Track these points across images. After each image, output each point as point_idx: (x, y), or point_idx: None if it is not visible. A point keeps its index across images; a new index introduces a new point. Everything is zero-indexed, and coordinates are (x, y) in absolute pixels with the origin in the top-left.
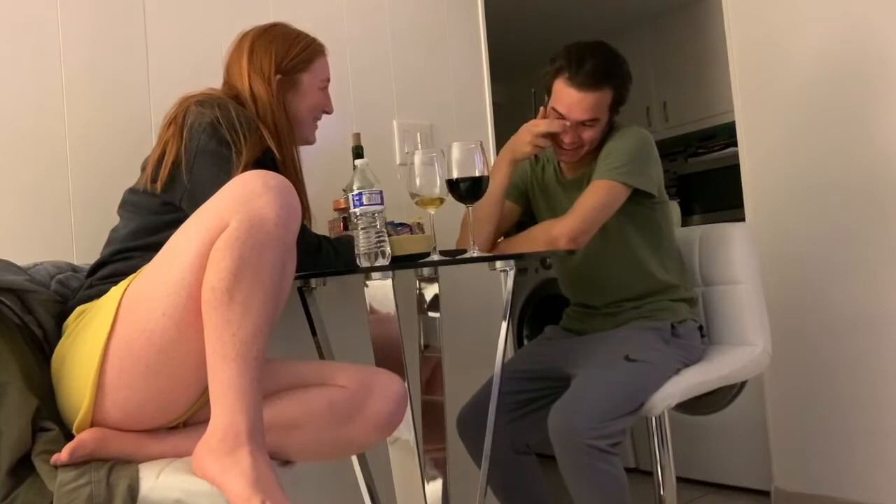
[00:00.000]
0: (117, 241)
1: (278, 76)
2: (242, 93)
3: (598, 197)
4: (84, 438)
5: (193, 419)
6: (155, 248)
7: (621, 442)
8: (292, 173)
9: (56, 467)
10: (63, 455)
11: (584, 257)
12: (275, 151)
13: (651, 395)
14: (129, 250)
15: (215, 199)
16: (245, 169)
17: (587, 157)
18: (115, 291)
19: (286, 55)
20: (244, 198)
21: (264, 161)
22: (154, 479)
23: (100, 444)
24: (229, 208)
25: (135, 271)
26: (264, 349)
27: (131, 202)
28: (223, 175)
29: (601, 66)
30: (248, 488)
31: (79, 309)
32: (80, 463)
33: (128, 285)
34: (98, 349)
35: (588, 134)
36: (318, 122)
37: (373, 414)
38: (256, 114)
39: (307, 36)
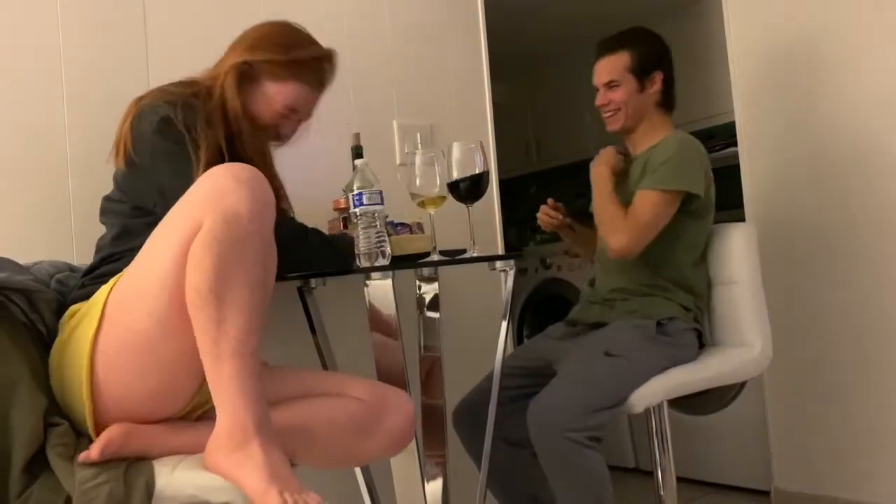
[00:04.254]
0: (105, 248)
1: (247, 64)
2: (203, 82)
3: (650, 209)
4: (111, 436)
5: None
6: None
7: (601, 437)
8: (259, 163)
9: (73, 464)
10: (93, 453)
11: (601, 267)
12: (223, 143)
13: (632, 392)
14: (116, 254)
15: (187, 199)
16: (207, 159)
17: (643, 137)
18: (101, 292)
19: (275, 52)
20: (216, 195)
21: (230, 150)
22: (169, 475)
23: (126, 440)
24: (202, 207)
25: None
26: (259, 344)
27: (110, 210)
28: (184, 174)
29: (619, 35)
30: (264, 481)
31: (71, 309)
32: (98, 461)
33: (112, 286)
34: (86, 349)
35: (613, 95)
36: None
37: (388, 430)
38: (212, 100)
39: (318, 57)
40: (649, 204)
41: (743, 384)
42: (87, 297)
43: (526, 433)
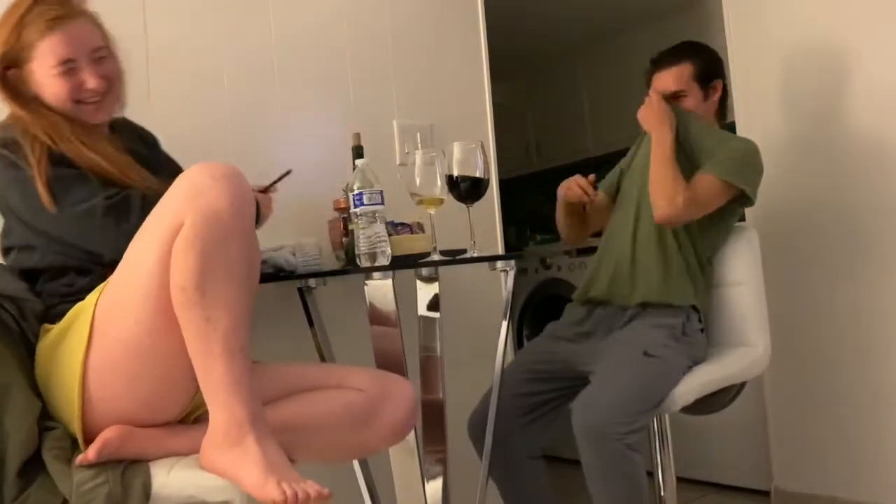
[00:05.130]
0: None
1: (8, 71)
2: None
3: (708, 192)
4: (108, 437)
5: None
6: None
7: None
8: (92, 159)
9: (70, 466)
10: (90, 454)
11: (627, 238)
12: (51, 143)
13: (670, 391)
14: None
15: (166, 200)
16: (42, 167)
17: None
18: (86, 304)
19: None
20: (194, 194)
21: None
22: (165, 476)
23: (122, 442)
24: (182, 206)
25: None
26: (248, 340)
27: (11, 266)
28: (24, 187)
29: (678, 46)
30: (262, 474)
31: (45, 327)
32: (95, 463)
33: (98, 296)
34: (77, 368)
35: (680, 105)
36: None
37: (388, 420)
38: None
39: (29, 7)
40: (709, 187)
41: (743, 384)
42: (60, 315)
43: (545, 441)
